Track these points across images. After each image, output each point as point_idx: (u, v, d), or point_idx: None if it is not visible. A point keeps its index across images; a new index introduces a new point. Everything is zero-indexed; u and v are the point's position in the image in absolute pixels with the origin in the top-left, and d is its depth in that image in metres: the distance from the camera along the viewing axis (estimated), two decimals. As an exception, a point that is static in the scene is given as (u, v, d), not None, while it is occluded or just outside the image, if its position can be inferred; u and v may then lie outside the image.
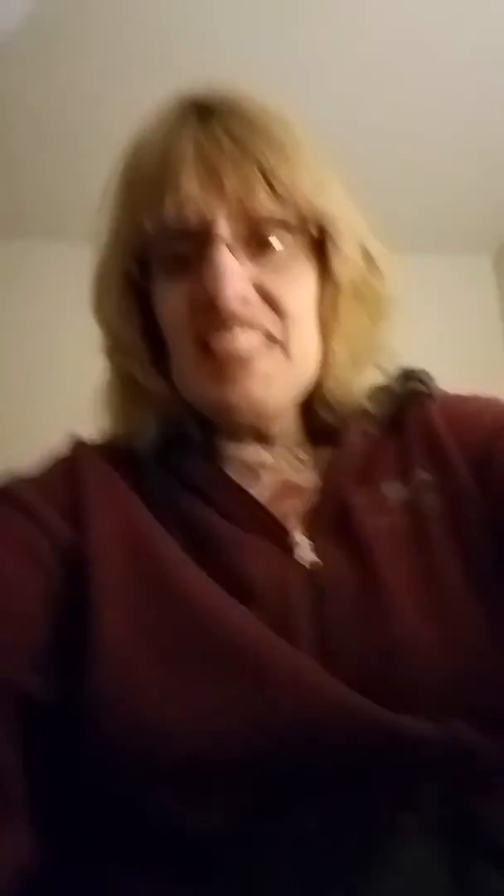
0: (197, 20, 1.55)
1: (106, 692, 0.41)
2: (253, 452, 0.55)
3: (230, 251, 0.47)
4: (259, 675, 0.41)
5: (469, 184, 2.07)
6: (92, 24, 1.54)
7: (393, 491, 0.51)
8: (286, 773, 0.39)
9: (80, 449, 0.57)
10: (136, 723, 0.40)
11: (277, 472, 0.55)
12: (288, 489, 0.54)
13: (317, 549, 0.48)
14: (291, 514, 0.51)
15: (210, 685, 0.41)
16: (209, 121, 0.49)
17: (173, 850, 0.39)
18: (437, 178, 2.03)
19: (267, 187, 0.47)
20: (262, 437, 0.55)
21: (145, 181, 0.49)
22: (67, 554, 0.47)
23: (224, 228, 0.47)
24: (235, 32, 1.58)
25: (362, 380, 0.56)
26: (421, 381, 0.58)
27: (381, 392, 0.57)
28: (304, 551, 0.48)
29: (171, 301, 0.50)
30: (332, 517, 0.51)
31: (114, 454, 0.56)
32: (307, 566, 0.47)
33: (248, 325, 0.48)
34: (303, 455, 0.56)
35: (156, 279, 0.51)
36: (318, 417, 0.57)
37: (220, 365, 0.48)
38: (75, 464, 0.54)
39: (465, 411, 0.56)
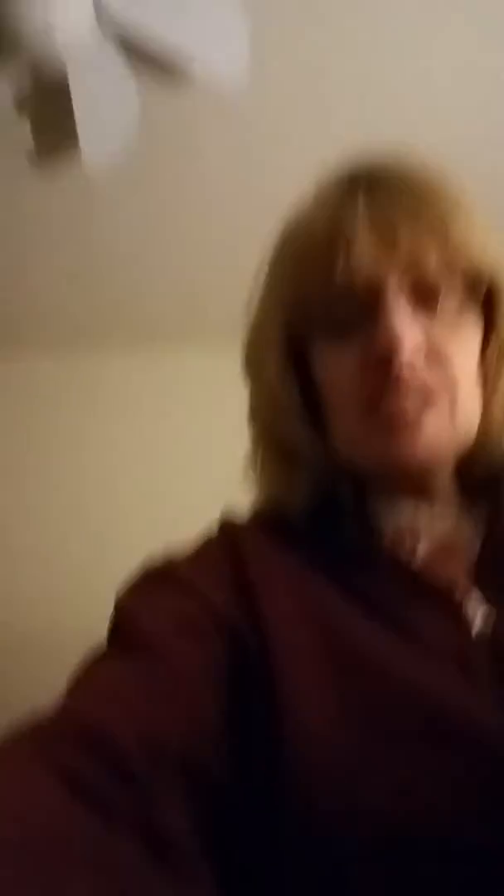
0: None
1: (309, 772, 0.39)
2: (409, 512, 0.54)
3: (402, 307, 0.48)
4: (473, 745, 0.39)
5: None
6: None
7: None
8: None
9: (230, 522, 0.57)
10: (347, 803, 0.38)
11: (435, 531, 0.53)
12: (447, 550, 0.52)
13: (487, 612, 0.46)
14: (456, 577, 0.49)
15: (421, 758, 0.39)
16: (381, 183, 0.51)
17: None
18: None
19: (439, 243, 0.48)
20: (419, 495, 0.54)
21: (314, 243, 0.51)
22: (233, 630, 0.46)
23: (395, 286, 0.48)
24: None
25: None
26: None
27: None
28: (477, 617, 0.46)
29: (336, 363, 0.51)
30: (498, 575, 0.48)
31: (266, 525, 0.56)
32: (480, 631, 0.45)
33: (417, 384, 0.48)
34: (459, 512, 0.55)
35: (316, 343, 0.52)
36: (472, 472, 0.55)
37: (389, 419, 0.48)
38: (231, 538, 0.54)
39: None
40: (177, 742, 0.38)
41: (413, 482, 0.53)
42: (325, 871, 0.37)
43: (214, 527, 0.57)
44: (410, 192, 0.50)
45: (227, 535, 0.55)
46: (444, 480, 0.55)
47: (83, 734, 0.35)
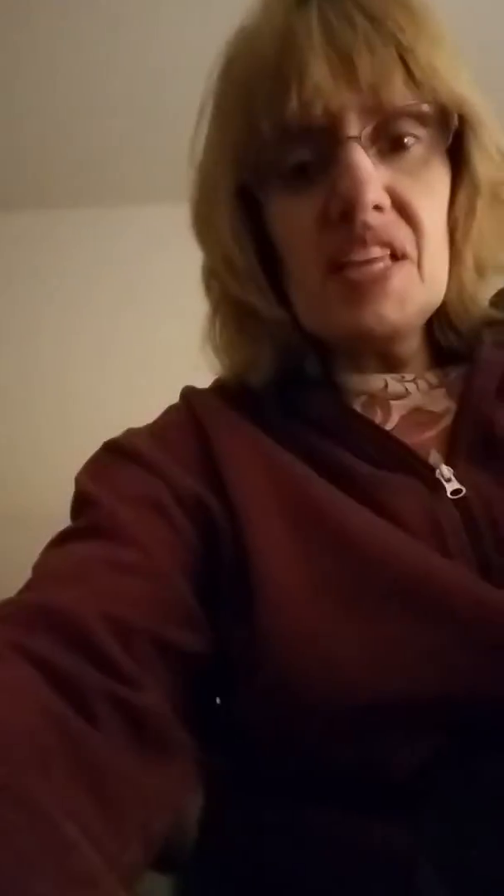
0: None
1: (284, 642, 0.39)
2: (379, 381, 0.51)
3: (366, 151, 0.42)
4: (443, 607, 0.38)
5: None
6: None
7: None
8: (483, 705, 0.37)
9: (194, 396, 0.54)
10: (321, 670, 0.38)
11: (407, 399, 0.51)
12: (420, 417, 0.50)
13: (460, 478, 0.45)
14: (429, 444, 0.48)
15: (393, 623, 0.39)
16: None
17: (369, 790, 0.37)
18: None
19: (404, 71, 0.42)
20: (388, 363, 0.51)
21: (262, 73, 0.44)
22: (200, 506, 0.45)
23: (355, 125, 0.42)
24: None
25: (488, 288, 0.52)
26: None
27: None
28: (450, 483, 0.45)
29: (293, 216, 0.46)
30: (474, 441, 0.47)
31: (230, 397, 0.53)
32: (453, 498, 0.44)
33: (382, 238, 0.44)
34: (432, 378, 0.52)
35: (271, 194, 0.47)
36: (445, 335, 0.53)
37: (353, 285, 0.44)
38: (193, 411, 0.51)
39: None
40: (146, 618, 0.38)
41: (382, 350, 0.50)
42: (301, 739, 0.39)
43: (178, 401, 0.55)
44: (371, 7, 0.43)
45: (191, 408, 0.52)
46: (415, 347, 0.52)
47: (50, 619, 0.35)
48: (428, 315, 0.49)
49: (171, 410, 0.54)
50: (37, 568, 0.41)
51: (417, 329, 0.51)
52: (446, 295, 0.50)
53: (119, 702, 0.34)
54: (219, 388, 0.55)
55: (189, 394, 0.55)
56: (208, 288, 0.54)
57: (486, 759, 0.36)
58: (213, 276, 0.53)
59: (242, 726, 0.42)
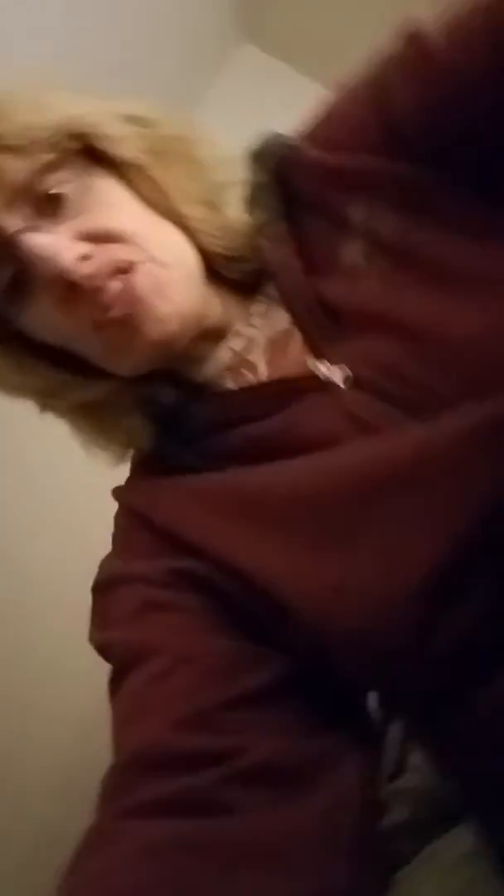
0: None
1: (322, 616, 0.41)
2: (223, 354, 0.53)
3: (33, 232, 0.44)
4: (404, 479, 0.41)
5: None
6: None
7: (352, 253, 0.48)
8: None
9: (122, 494, 0.56)
10: (349, 612, 0.41)
11: (256, 342, 0.52)
12: (278, 343, 0.51)
13: (337, 362, 0.46)
14: (300, 358, 0.49)
15: (378, 527, 0.41)
16: None
17: (462, 659, 0.40)
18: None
19: (5, 146, 0.43)
20: (216, 335, 0.53)
21: None
22: (179, 576, 0.47)
23: (10, 220, 0.44)
24: None
25: (231, 207, 0.52)
26: (272, 148, 0.52)
27: (254, 194, 0.52)
28: (335, 374, 0.46)
29: (42, 319, 0.48)
30: (320, 325, 0.48)
31: (143, 471, 0.56)
32: (345, 382, 0.46)
33: (107, 272, 0.45)
34: (259, 308, 0.53)
35: (15, 315, 0.48)
36: (237, 271, 0.53)
37: (119, 322, 0.46)
38: (129, 507, 0.54)
39: (335, 123, 0.50)
40: (209, 694, 0.40)
41: (198, 334, 0.51)
42: (384, 666, 0.41)
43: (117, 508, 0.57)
44: None
45: (126, 505, 0.55)
46: (220, 308, 0.53)
47: (138, 765, 0.38)
48: (199, 282, 0.50)
49: (116, 518, 0.56)
50: (112, 726, 0.43)
51: (205, 297, 0.51)
52: (203, 246, 0.50)
53: (234, 778, 0.36)
54: (133, 469, 0.58)
55: (118, 495, 0.56)
56: (47, 410, 0.56)
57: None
58: (39, 402, 0.54)
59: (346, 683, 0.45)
